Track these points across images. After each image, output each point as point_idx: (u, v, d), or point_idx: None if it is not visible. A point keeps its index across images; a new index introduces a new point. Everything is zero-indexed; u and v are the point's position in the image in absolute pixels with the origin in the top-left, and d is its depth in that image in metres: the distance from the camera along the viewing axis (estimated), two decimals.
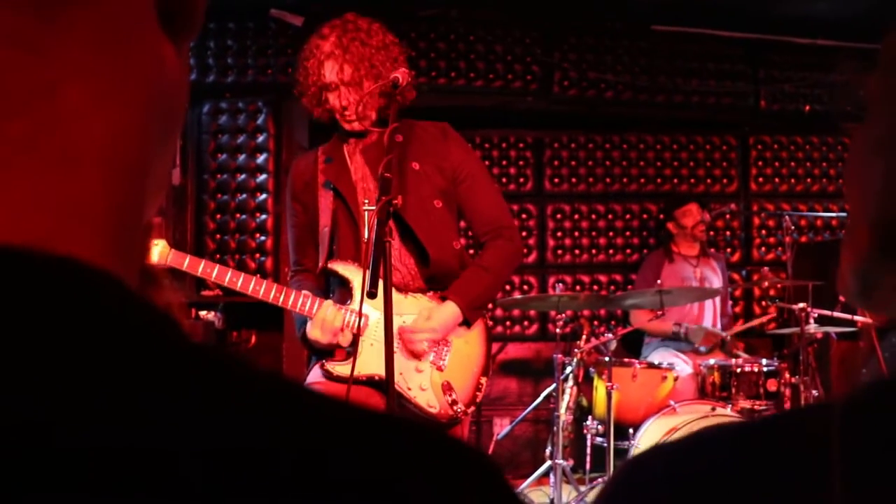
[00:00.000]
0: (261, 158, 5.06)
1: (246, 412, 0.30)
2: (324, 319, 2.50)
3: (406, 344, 2.56)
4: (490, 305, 2.79)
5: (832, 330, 4.42)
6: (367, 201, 2.58)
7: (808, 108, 5.74)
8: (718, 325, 5.06)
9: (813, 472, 0.50)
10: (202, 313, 4.62)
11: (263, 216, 5.04)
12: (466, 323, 2.64)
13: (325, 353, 2.61)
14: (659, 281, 4.49)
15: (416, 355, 2.58)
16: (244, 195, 5.05)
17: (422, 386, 2.59)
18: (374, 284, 2.06)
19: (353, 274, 2.59)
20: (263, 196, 5.05)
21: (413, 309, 2.60)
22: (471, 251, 2.93)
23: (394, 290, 2.30)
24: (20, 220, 0.30)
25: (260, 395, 0.31)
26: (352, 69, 2.55)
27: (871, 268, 0.61)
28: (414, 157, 2.63)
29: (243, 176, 5.06)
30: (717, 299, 5.04)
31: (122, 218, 0.34)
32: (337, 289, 2.66)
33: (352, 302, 2.58)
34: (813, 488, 0.50)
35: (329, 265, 2.63)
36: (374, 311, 2.52)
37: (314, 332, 2.52)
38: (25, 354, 0.27)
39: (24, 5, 0.31)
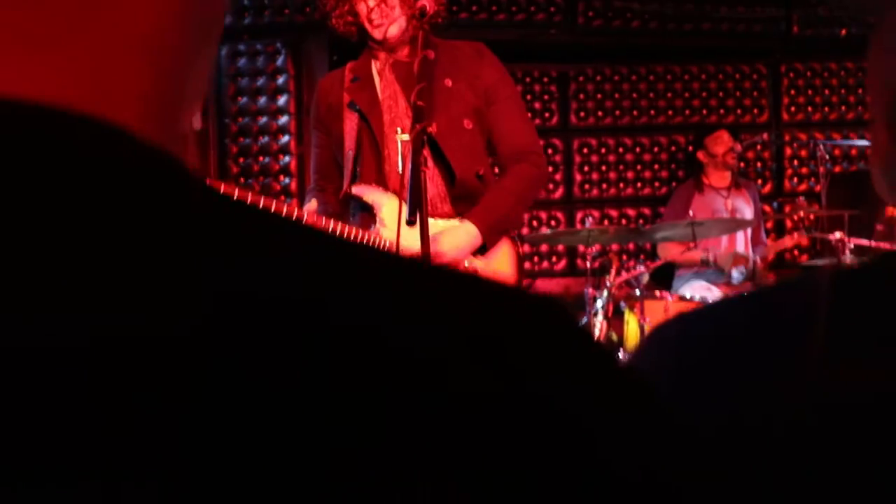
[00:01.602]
0: (281, 100, 5.02)
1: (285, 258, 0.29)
2: None
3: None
4: (514, 233, 2.74)
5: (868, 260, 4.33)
6: (399, 129, 2.53)
7: (843, 31, 5.57)
8: (751, 255, 4.99)
9: (804, 333, 0.54)
10: None
11: (286, 158, 5.01)
12: (483, 249, 2.58)
13: None
14: (691, 212, 4.42)
15: None
16: (266, 138, 5.02)
17: None
18: (412, 213, 2.03)
19: (378, 199, 2.55)
20: (286, 138, 5.01)
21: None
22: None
23: None
24: (70, 89, 0.30)
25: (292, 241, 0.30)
26: None
27: (893, 164, 0.62)
28: (447, 74, 2.57)
29: (265, 118, 5.02)
30: (749, 229, 4.96)
31: (164, 106, 0.34)
32: (359, 213, 2.62)
33: (375, 227, 2.54)
34: (803, 351, 0.53)
35: (353, 190, 2.59)
36: (402, 234, 2.50)
37: None
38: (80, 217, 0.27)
39: None
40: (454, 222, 2.58)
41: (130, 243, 0.26)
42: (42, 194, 0.26)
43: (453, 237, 2.52)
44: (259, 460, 0.24)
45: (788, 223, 5.76)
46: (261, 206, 0.32)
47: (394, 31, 2.54)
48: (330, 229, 2.45)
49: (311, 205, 2.52)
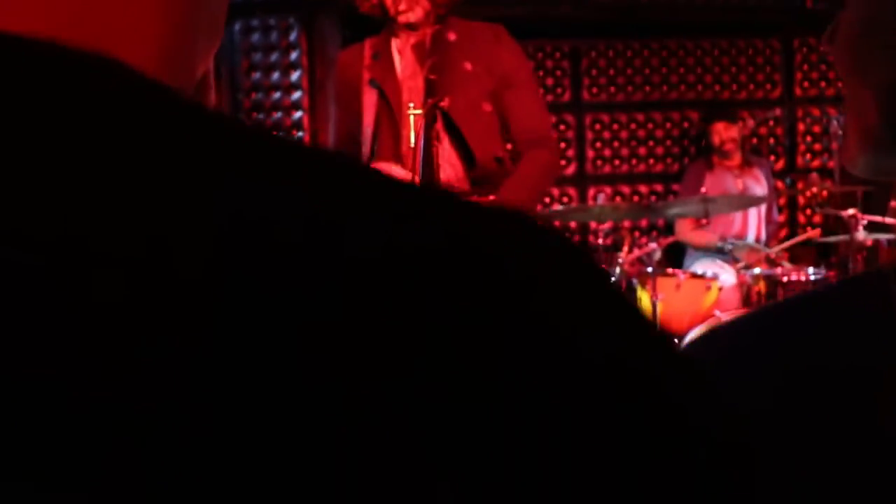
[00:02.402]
0: (294, 76, 5.01)
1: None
2: None
3: None
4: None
5: (883, 237, 4.32)
6: (412, 105, 2.54)
7: None
8: (763, 234, 4.99)
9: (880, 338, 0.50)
10: None
11: (299, 134, 5.00)
12: None
13: None
14: (703, 189, 4.41)
15: None
16: (279, 113, 5.02)
17: None
18: None
19: (396, 175, 2.56)
20: (299, 114, 5.00)
21: None
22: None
23: None
24: (83, 28, 0.30)
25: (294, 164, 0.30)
26: None
27: (883, 151, 0.58)
28: (466, 57, 2.58)
29: (278, 94, 5.01)
30: (763, 207, 4.95)
31: (179, 47, 0.34)
32: None
33: None
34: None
35: (372, 166, 2.60)
36: None
37: None
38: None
39: None
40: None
41: (140, 175, 0.26)
42: (51, 133, 0.26)
43: None
44: (279, 399, 0.24)
45: (801, 199, 5.75)
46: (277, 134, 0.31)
47: (419, 14, 2.55)
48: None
49: None
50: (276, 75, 5.01)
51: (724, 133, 4.96)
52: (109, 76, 0.28)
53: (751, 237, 4.93)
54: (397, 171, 2.57)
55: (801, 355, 0.52)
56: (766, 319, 0.56)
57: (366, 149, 2.62)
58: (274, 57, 5.01)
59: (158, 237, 0.25)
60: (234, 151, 0.29)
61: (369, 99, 2.62)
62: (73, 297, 0.24)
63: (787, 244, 4.89)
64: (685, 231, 4.74)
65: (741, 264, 4.65)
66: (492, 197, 2.60)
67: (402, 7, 2.53)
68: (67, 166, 0.25)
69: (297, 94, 5.01)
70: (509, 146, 2.77)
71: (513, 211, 0.30)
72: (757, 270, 4.28)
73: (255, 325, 0.24)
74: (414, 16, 2.55)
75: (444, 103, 2.22)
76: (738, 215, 4.87)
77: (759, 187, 4.99)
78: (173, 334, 0.24)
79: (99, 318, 0.24)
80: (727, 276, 4.47)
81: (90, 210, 0.25)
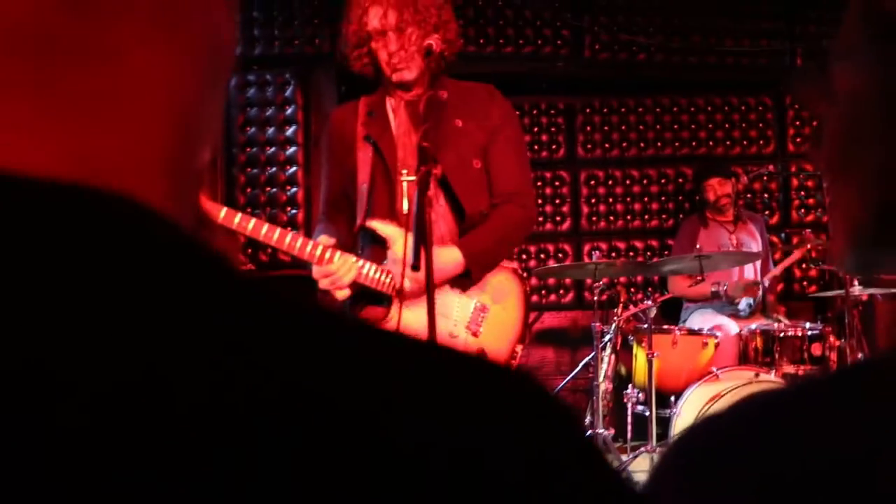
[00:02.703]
0: (290, 131, 5.03)
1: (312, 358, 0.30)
2: (333, 273, 2.46)
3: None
4: (526, 274, 2.75)
5: (877, 291, 4.32)
6: (405, 171, 2.55)
7: None
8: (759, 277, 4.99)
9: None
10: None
11: (294, 189, 5.01)
12: (467, 274, 2.58)
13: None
14: (698, 246, 4.42)
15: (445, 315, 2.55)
16: (274, 168, 5.03)
17: None
18: (416, 257, 2.04)
19: (392, 234, 2.56)
20: (293, 169, 5.02)
21: None
22: None
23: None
24: (93, 163, 0.32)
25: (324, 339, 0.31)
26: (396, 14, 2.51)
27: (870, 246, 0.57)
28: (458, 115, 2.60)
29: (273, 149, 5.03)
30: (758, 262, 4.96)
31: (181, 163, 0.36)
32: (369, 247, 2.62)
33: (387, 261, 2.56)
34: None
35: (368, 223, 2.60)
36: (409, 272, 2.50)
37: (321, 280, 2.50)
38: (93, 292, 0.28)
39: None
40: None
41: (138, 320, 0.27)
42: (66, 274, 0.28)
43: (438, 258, 2.53)
44: None
45: (797, 254, 5.75)
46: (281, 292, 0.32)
47: (411, 74, 2.57)
48: (337, 260, 2.46)
49: (327, 240, 2.52)
50: (271, 130, 5.04)
51: (719, 189, 4.99)
52: (113, 216, 0.30)
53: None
54: (392, 229, 2.57)
55: (787, 452, 0.49)
56: (755, 412, 0.53)
57: (361, 206, 2.62)
58: (270, 112, 5.04)
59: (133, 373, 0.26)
60: (221, 297, 0.30)
61: (364, 156, 2.63)
62: (39, 424, 0.25)
63: (780, 267, 4.89)
64: (680, 287, 4.74)
65: (738, 300, 4.63)
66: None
67: (398, 65, 2.55)
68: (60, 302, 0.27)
69: (292, 149, 5.03)
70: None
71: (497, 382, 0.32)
72: (754, 325, 4.27)
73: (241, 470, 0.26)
74: (409, 75, 2.57)
75: (437, 171, 2.24)
76: (733, 270, 4.87)
77: (754, 243, 5.00)
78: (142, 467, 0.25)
79: (64, 445, 0.24)
80: (724, 329, 4.46)
81: (67, 341, 0.26)
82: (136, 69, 0.34)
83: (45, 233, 0.28)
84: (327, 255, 2.47)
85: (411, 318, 2.51)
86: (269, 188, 5.03)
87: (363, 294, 2.61)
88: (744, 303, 4.66)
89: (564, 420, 0.32)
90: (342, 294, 2.50)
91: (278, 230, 2.48)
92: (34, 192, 0.29)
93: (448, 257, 2.54)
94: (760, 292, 4.69)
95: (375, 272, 2.54)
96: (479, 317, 2.60)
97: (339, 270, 2.46)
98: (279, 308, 0.31)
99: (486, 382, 0.32)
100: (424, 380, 0.30)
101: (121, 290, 0.28)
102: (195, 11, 0.37)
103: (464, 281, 2.59)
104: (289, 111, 5.04)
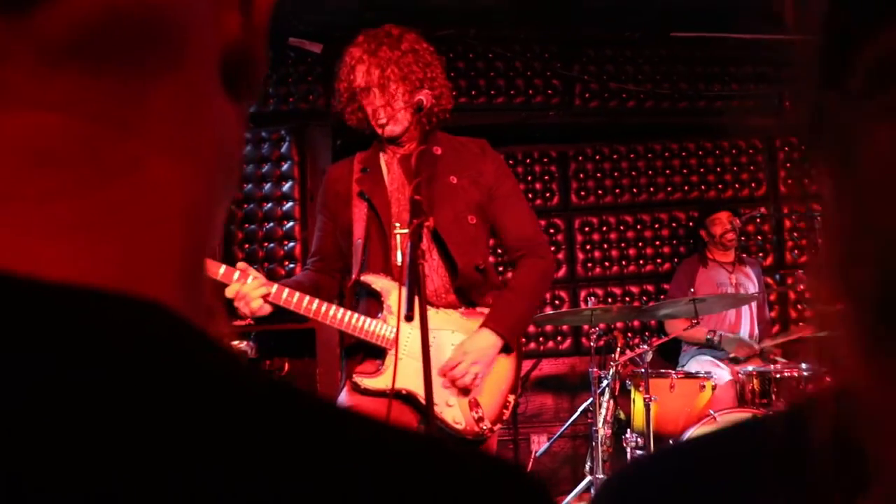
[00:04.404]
0: (286, 186, 5.08)
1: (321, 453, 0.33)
2: (240, 292, 2.46)
3: (454, 382, 2.57)
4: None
5: None
6: (398, 224, 2.59)
7: None
8: (756, 332, 5.00)
9: (750, 483, 0.50)
10: (234, 343, 4.63)
11: (291, 244, 5.05)
12: (507, 349, 2.63)
13: (355, 363, 2.63)
14: (692, 289, 4.45)
15: (465, 388, 2.58)
16: (271, 224, 5.07)
17: (448, 402, 2.59)
18: (410, 308, 2.08)
19: (386, 287, 2.60)
20: (290, 224, 5.06)
21: (444, 324, 2.61)
22: (500, 268, 2.93)
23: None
24: (110, 274, 0.34)
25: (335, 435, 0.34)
26: (379, 71, 2.58)
27: (885, 348, 0.50)
28: (452, 171, 2.65)
29: (269, 205, 5.08)
30: (754, 305, 4.98)
31: (193, 263, 0.38)
32: (364, 300, 2.66)
33: (382, 314, 2.59)
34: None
35: (362, 277, 2.63)
36: (404, 324, 2.53)
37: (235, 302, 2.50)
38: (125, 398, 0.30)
39: (114, 88, 0.35)
40: (456, 314, 2.63)
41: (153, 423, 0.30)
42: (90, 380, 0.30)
43: (477, 345, 2.58)
44: None
45: (791, 295, 5.78)
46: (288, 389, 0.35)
47: (397, 129, 2.63)
48: (250, 282, 2.47)
49: (244, 266, 2.52)
50: (267, 186, 5.09)
51: (727, 223, 5.02)
52: (136, 325, 0.33)
53: (744, 334, 4.94)
54: (385, 282, 2.61)
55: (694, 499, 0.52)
56: (674, 459, 0.57)
57: (357, 260, 2.66)
58: (266, 168, 5.10)
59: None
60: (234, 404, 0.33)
61: (359, 212, 2.67)
62: None
63: (778, 341, 4.90)
64: (676, 329, 4.76)
65: (731, 355, 4.66)
66: (487, 306, 2.63)
67: (380, 120, 2.61)
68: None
69: (289, 205, 5.07)
70: (492, 258, 2.82)
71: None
72: (751, 368, 4.28)
73: None
74: (396, 128, 2.62)
75: (429, 223, 2.28)
76: (730, 313, 4.89)
77: (751, 285, 5.03)
78: None
79: None
80: (721, 373, 4.47)
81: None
82: (155, 178, 0.36)
83: (101, 348, 0.31)
84: (235, 275, 2.47)
85: (407, 370, 2.53)
86: (266, 244, 5.06)
87: (359, 347, 2.64)
88: (738, 355, 4.69)
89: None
90: (254, 306, 2.48)
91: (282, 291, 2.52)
92: (82, 304, 0.32)
93: (483, 345, 2.58)
94: (756, 349, 4.71)
95: (371, 325, 2.57)
96: None
97: (250, 293, 2.46)
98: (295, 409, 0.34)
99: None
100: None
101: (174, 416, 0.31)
102: (208, 125, 0.39)
103: (457, 335, 2.62)
104: (285, 167, 5.09)
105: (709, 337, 4.69)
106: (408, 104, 2.58)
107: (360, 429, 0.34)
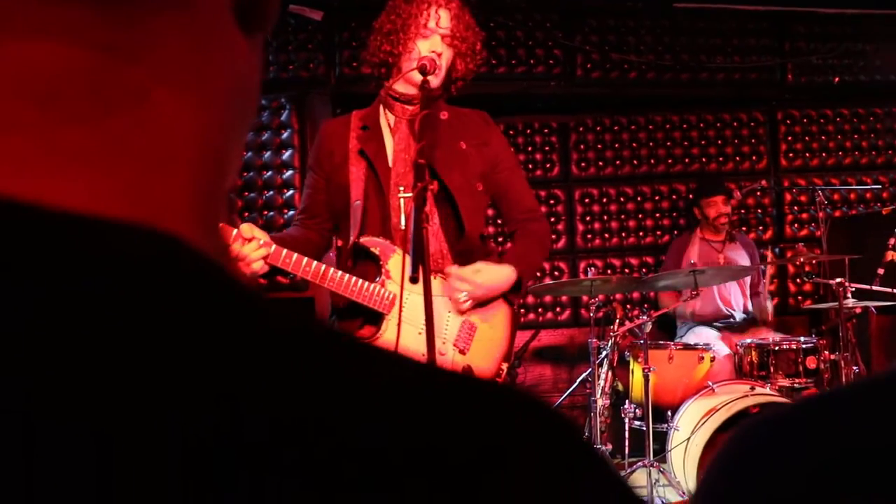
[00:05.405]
0: (286, 154, 5.07)
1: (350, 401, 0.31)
2: (241, 253, 2.40)
3: (446, 290, 2.57)
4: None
5: (871, 304, 4.35)
6: (402, 188, 2.57)
7: (836, 79, 5.65)
8: (750, 306, 5.04)
9: None
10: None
11: (291, 212, 5.04)
12: (516, 288, 2.64)
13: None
14: (693, 260, 4.46)
15: (458, 310, 2.59)
16: (271, 192, 5.06)
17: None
18: (415, 269, 2.08)
19: (385, 251, 2.58)
20: (290, 192, 5.05)
21: (440, 291, 2.60)
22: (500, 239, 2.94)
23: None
24: (118, 207, 0.33)
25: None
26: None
27: None
28: (460, 137, 2.65)
29: (269, 173, 5.07)
30: (745, 281, 5.02)
31: (208, 199, 0.37)
32: (360, 263, 2.62)
33: (380, 278, 2.57)
34: None
35: (361, 240, 2.60)
36: (405, 292, 2.53)
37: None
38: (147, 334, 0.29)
39: (119, 18, 0.34)
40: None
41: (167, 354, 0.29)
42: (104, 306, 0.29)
43: (493, 275, 2.59)
44: None
45: (790, 269, 5.79)
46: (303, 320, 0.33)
47: (437, 83, 2.59)
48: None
49: (250, 230, 2.45)
50: (267, 154, 5.07)
51: (722, 207, 5.03)
52: (150, 254, 0.32)
53: (738, 312, 4.98)
54: (385, 244, 2.59)
55: (837, 440, 0.51)
56: (805, 409, 0.55)
57: (355, 223, 2.61)
58: (266, 136, 5.08)
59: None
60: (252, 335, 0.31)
61: (357, 171, 2.62)
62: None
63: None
64: (665, 303, 4.80)
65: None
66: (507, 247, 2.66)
67: (433, 70, 2.50)
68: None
69: (288, 173, 5.06)
70: (491, 229, 2.84)
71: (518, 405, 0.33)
72: (749, 340, 4.30)
73: None
74: (437, 82, 2.58)
75: (433, 187, 2.27)
76: (713, 290, 4.93)
77: (742, 260, 5.04)
78: None
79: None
80: (719, 345, 4.49)
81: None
82: (163, 109, 0.35)
83: (121, 278, 0.30)
84: (233, 233, 2.43)
85: (403, 334, 2.53)
86: (266, 212, 5.05)
87: (353, 310, 2.61)
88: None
89: (558, 426, 0.33)
90: (255, 267, 2.43)
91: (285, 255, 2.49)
92: (101, 233, 0.31)
93: (498, 276, 2.61)
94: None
95: (370, 288, 2.54)
96: (468, 335, 2.63)
97: (250, 253, 2.41)
98: (301, 333, 0.33)
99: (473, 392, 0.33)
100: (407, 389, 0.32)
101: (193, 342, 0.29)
102: (218, 56, 0.38)
103: (453, 300, 2.61)
104: (284, 135, 5.08)
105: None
106: (449, 65, 2.59)
107: (388, 364, 0.33)
